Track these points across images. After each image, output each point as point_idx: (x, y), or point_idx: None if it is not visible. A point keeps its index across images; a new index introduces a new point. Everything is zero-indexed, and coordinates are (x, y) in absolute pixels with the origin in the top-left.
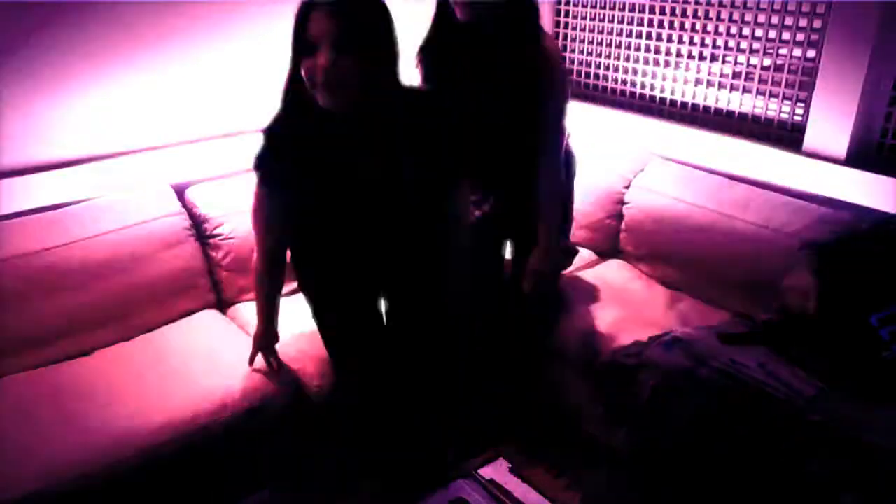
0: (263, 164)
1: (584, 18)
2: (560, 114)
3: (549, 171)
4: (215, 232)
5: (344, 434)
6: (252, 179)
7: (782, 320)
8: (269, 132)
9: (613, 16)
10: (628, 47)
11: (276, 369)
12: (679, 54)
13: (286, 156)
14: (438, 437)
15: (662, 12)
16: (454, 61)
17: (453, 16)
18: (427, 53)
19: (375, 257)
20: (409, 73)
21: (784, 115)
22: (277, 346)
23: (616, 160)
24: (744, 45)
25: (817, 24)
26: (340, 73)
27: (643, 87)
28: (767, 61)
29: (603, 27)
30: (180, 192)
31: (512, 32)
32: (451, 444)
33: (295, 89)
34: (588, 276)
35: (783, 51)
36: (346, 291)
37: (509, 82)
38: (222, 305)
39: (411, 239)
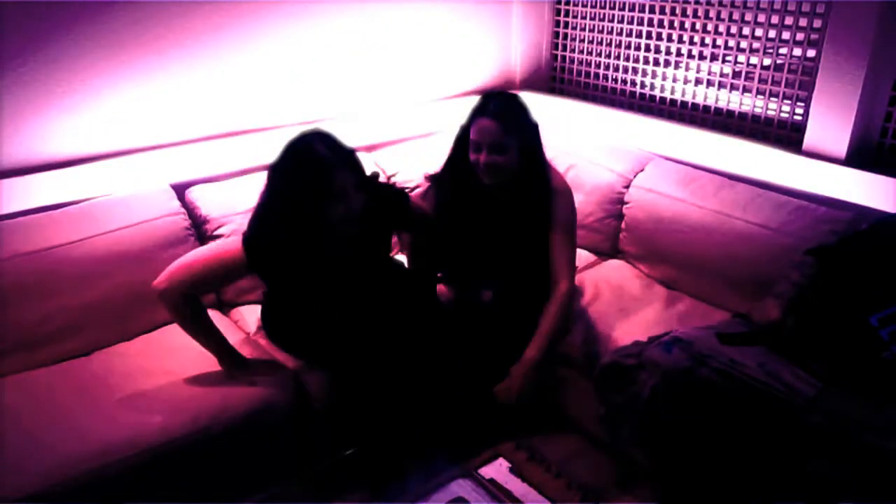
0: (260, 251)
1: (584, 18)
2: (573, 244)
3: (561, 296)
4: (216, 233)
5: (344, 434)
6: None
7: (751, 331)
8: (271, 237)
9: (613, 15)
10: (628, 47)
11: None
12: (679, 54)
13: (291, 255)
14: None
15: (662, 12)
16: (470, 203)
17: (475, 177)
18: (442, 192)
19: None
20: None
21: (784, 115)
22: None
23: (616, 160)
24: (744, 44)
25: (817, 24)
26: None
27: (643, 86)
28: (767, 61)
29: (603, 27)
30: (180, 192)
31: (527, 185)
32: (449, 444)
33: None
34: (588, 276)
35: (783, 51)
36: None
37: (524, 221)
38: (223, 306)
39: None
